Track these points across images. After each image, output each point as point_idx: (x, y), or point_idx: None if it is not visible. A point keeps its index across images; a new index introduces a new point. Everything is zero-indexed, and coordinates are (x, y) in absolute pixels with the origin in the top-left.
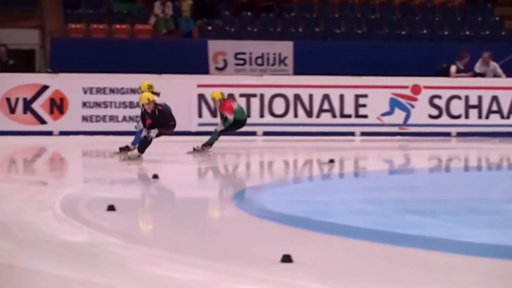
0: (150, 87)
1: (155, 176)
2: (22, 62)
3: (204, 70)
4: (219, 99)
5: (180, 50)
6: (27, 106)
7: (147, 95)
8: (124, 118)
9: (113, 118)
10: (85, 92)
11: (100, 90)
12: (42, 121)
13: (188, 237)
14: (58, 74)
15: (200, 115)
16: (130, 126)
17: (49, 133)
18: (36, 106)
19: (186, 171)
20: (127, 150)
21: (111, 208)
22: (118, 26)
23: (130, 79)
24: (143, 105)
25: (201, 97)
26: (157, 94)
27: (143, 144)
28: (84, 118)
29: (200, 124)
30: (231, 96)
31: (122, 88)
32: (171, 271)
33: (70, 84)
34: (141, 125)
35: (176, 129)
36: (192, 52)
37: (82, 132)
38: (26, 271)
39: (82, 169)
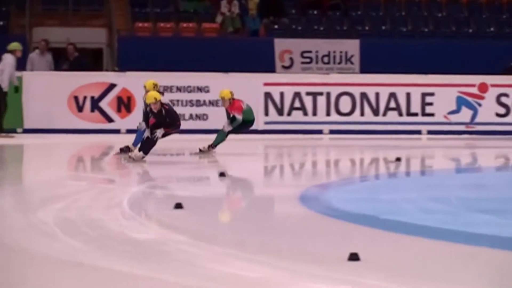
0: (155, 86)
1: (222, 174)
2: (90, 60)
3: (271, 69)
4: (229, 99)
5: (246, 48)
6: (95, 104)
7: (154, 94)
8: (191, 116)
9: (179, 117)
10: None
11: (167, 89)
12: (110, 119)
13: (254, 235)
14: (125, 73)
15: (266, 114)
16: (197, 124)
17: (116, 131)
18: (104, 104)
19: (253, 169)
20: (128, 151)
21: (178, 206)
22: (185, 25)
23: (197, 77)
24: (148, 105)
25: (268, 95)
26: (162, 93)
27: (148, 144)
28: None
29: (267, 123)
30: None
31: (189, 87)
32: (238, 268)
33: (137, 83)
34: (143, 124)
35: None
36: (258, 50)
37: None
38: (95, 269)
39: (149, 167)
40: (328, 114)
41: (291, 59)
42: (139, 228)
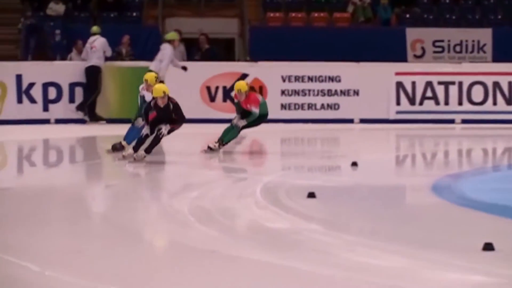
0: (157, 79)
1: (354, 164)
2: (222, 51)
3: (402, 58)
4: (245, 91)
5: (378, 38)
6: (227, 94)
7: (163, 87)
8: (323, 106)
9: (311, 106)
10: (284, 80)
11: (298, 78)
12: None
13: (387, 224)
14: (257, 63)
15: (398, 103)
16: (329, 114)
17: None
18: None
19: (385, 159)
20: (121, 149)
21: (311, 195)
22: (316, 14)
23: (328, 67)
24: (155, 98)
25: (399, 85)
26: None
27: (152, 142)
28: (283, 106)
29: (398, 112)
30: None
31: (321, 76)
32: (372, 257)
33: (269, 72)
34: (140, 121)
35: (374, 116)
36: (390, 40)
37: (281, 120)
38: (228, 257)
39: (281, 156)
40: (460, 103)
41: (422, 48)
42: (272, 217)
